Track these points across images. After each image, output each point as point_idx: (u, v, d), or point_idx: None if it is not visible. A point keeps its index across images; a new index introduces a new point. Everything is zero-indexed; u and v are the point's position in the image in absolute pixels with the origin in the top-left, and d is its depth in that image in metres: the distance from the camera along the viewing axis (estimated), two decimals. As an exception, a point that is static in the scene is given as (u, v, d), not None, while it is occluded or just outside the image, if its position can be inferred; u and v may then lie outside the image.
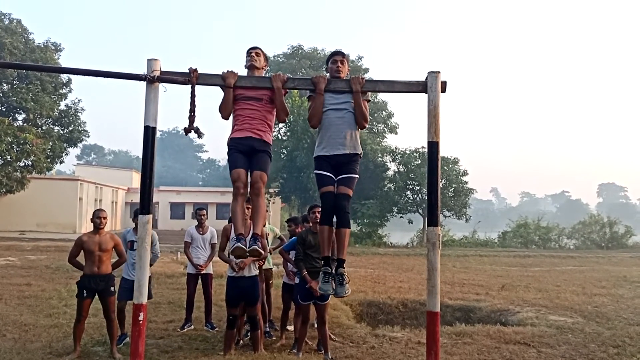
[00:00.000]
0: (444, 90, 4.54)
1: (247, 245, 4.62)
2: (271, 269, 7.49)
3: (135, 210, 5.34)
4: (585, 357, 6.31)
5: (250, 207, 4.99)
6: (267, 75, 4.91)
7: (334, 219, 4.69)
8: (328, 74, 4.87)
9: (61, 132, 30.31)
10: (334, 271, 4.63)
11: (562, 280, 14.34)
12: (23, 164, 27.89)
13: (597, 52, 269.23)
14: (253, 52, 4.87)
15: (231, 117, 4.80)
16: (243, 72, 4.75)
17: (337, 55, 4.84)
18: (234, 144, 4.71)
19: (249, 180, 4.73)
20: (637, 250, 30.99)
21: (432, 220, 4.47)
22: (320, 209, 5.69)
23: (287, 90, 4.85)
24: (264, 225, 5.17)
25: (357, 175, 4.75)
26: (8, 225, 30.84)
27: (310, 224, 6.39)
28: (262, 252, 4.72)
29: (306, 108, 33.57)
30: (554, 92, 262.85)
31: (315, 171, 4.77)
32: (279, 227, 30.88)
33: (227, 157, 4.81)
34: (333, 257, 4.74)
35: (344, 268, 4.62)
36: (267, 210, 4.98)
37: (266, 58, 4.99)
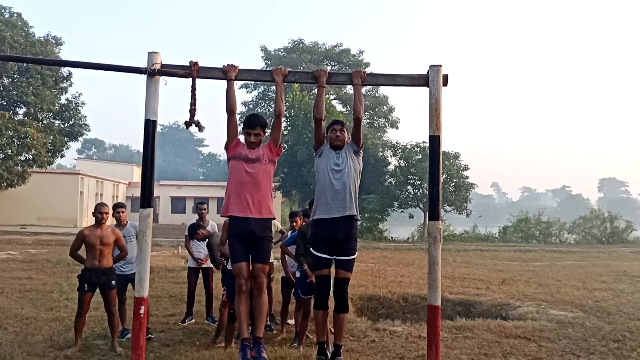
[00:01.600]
0: (445, 83, 4.53)
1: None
2: (272, 263, 7.49)
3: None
4: (586, 352, 6.31)
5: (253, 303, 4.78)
6: (268, 69, 4.91)
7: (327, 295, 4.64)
8: (328, 142, 4.86)
9: (62, 126, 30.27)
10: (331, 357, 4.55)
11: (563, 275, 14.34)
12: (24, 158, 27.88)
13: (599, 47, 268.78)
14: (252, 134, 4.73)
15: (228, 169, 4.71)
16: (242, 66, 4.69)
17: (336, 125, 4.88)
18: (235, 228, 4.63)
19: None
20: (638, 245, 30.99)
21: (433, 214, 4.47)
22: None
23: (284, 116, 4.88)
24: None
25: (355, 256, 4.69)
26: (9, 219, 30.87)
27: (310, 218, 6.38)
28: None
29: (307, 102, 33.64)
30: (555, 86, 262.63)
31: (312, 251, 4.73)
32: (280, 221, 30.91)
33: (228, 241, 4.77)
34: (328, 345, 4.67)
35: (341, 355, 4.55)
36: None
37: (264, 131, 4.84)
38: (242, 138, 4.85)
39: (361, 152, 4.85)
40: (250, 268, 4.69)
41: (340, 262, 4.61)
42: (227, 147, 4.74)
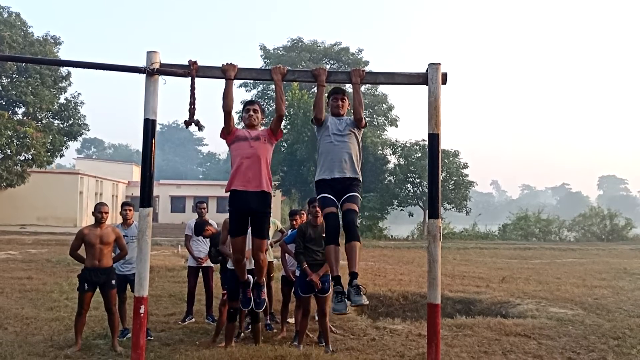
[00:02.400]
0: (444, 82, 4.53)
1: (253, 300, 5.20)
2: (272, 262, 7.49)
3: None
4: (586, 349, 6.32)
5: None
6: (267, 67, 4.92)
7: (338, 236, 4.67)
8: (329, 110, 4.96)
9: (61, 125, 30.24)
10: (348, 284, 4.56)
11: (563, 273, 14.36)
12: (23, 158, 27.86)
13: (598, 44, 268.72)
14: (251, 109, 4.97)
15: (230, 151, 4.90)
16: (242, 65, 4.69)
17: (338, 94, 4.96)
18: (234, 201, 4.80)
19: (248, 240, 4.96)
20: (638, 242, 31.03)
21: (433, 212, 4.47)
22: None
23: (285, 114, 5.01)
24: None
25: (360, 196, 4.76)
26: (9, 219, 30.86)
27: (310, 217, 6.39)
28: (262, 307, 5.39)
29: (306, 101, 33.51)
30: (554, 84, 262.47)
31: (318, 196, 4.80)
32: (280, 219, 30.90)
33: (228, 202, 4.90)
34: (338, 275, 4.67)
35: (357, 279, 4.54)
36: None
37: (263, 111, 5.11)
38: (241, 125, 4.95)
39: (362, 129, 4.91)
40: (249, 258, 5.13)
41: (345, 199, 4.67)
42: (224, 134, 4.83)
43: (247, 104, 5.05)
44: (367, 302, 4.55)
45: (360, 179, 4.79)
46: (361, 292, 4.44)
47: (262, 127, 5.06)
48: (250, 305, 5.21)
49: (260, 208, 4.79)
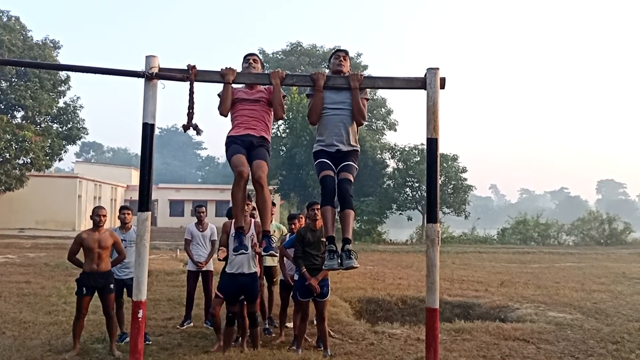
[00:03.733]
0: (443, 86, 4.54)
1: (260, 246, 4.82)
2: (275, 266, 7.48)
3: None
4: (584, 353, 6.32)
5: (255, 201, 5.02)
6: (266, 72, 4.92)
7: (336, 201, 4.74)
8: (329, 70, 4.94)
9: (60, 129, 30.21)
10: (340, 249, 4.62)
11: (561, 277, 14.35)
12: (22, 162, 27.82)
13: (596, 48, 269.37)
14: (251, 59, 4.95)
15: (230, 119, 4.87)
16: (240, 70, 4.74)
17: (340, 52, 4.93)
18: (232, 140, 4.78)
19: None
20: (636, 246, 31.02)
21: (431, 217, 4.47)
22: (318, 206, 5.74)
23: (285, 95, 4.93)
24: (271, 222, 5.22)
25: (356, 166, 4.82)
26: (7, 222, 30.80)
27: (309, 221, 6.39)
28: (276, 253, 4.95)
29: (305, 105, 33.49)
30: (553, 88, 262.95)
31: (315, 162, 4.83)
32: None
33: (225, 151, 4.85)
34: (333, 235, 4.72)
35: (350, 244, 4.58)
36: (272, 204, 5.05)
37: (263, 65, 5.10)
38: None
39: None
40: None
41: (341, 167, 4.72)
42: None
43: (247, 55, 4.99)
44: (358, 266, 4.59)
45: (358, 149, 4.84)
46: (352, 256, 4.52)
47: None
48: (246, 250, 4.96)
49: (260, 142, 4.77)
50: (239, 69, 4.71)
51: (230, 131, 4.84)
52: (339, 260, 4.53)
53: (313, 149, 4.92)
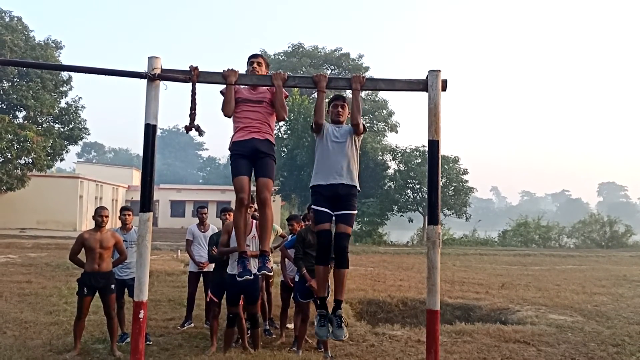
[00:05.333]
0: (444, 88, 4.54)
1: (256, 267, 4.81)
2: (272, 267, 7.47)
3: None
4: (585, 356, 6.31)
5: (257, 217, 4.96)
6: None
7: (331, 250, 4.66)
8: (329, 117, 4.94)
9: (62, 129, 30.21)
10: (332, 312, 4.58)
11: (562, 279, 14.34)
12: (23, 162, 27.82)
13: (597, 50, 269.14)
14: (255, 62, 4.84)
15: (232, 120, 4.79)
16: (242, 71, 4.73)
17: (338, 100, 4.94)
18: (237, 148, 4.68)
19: (252, 187, 4.72)
20: (637, 249, 30.99)
21: (433, 218, 4.47)
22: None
23: (287, 94, 4.90)
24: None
25: (355, 211, 4.72)
26: (8, 222, 30.82)
27: (310, 222, 6.39)
28: (271, 274, 4.90)
29: (307, 107, 33.55)
30: (555, 90, 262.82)
31: (313, 206, 4.76)
32: (279, 225, 30.85)
33: (230, 161, 4.79)
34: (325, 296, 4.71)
35: (341, 309, 4.59)
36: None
37: (267, 65, 4.97)
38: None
39: (361, 136, 4.88)
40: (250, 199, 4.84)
41: (340, 217, 4.62)
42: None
43: (251, 57, 4.87)
44: (347, 336, 4.58)
45: (358, 186, 4.74)
46: (343, 325, 4.50)
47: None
48: (248, 275, 4.82)
49: (266, 150, 4.66)
50: (242, 71, 4.70)
51: (234, 135, 4.74)
52: (329, 329, 4.52)
53: (311, 181, 4.82)
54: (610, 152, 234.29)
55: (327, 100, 4.95)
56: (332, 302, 4.76)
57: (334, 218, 4.66)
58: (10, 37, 26.56)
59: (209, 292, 6.47)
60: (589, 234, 35.77)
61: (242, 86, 4.82)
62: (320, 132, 4.82)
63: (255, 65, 4.82)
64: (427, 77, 4.54)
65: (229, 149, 4.78)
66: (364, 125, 4.86)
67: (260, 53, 5.00)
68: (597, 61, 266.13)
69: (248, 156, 4.65)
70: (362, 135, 4.93)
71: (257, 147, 4.63)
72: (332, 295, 5.00)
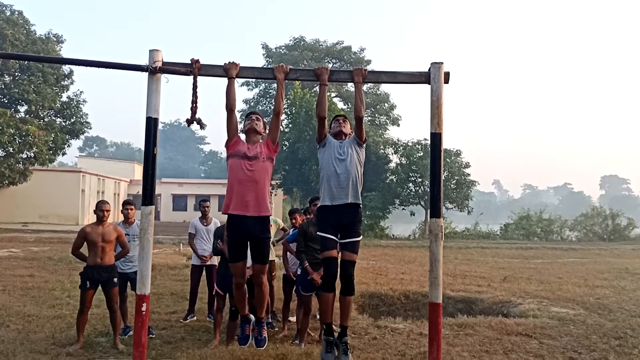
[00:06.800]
0: (447, 81, 4.52)
1: (254, 338, 4.92)
2: (273, 260, 7.50)
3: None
4: (587, 349, 6.32)
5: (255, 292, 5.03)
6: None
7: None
8: (331, 132, 4.97)
9: (63, 123, 30.24)
10: (338, 338, 4.61)
11: (564, 272, 14.34)
12: (25, 156, 27.86)
13: (600, 44, 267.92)
14: (253, 117, 4.91)
15: (228, 171, 4.75)
16: (244, 64, 4.68)
17: (339, 117, 5.05)
18: (232, 228, 4.68)
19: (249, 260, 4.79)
20: (639, 242, 30.96)
21: (435, 212, 4.47)
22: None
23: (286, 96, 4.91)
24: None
25: (360, 237, 4.75)
26: (11, 217, 30.89)
27: (312, 216, 6.39)
28: (265, 343, 5.01)
29: (308, 100, 33.45)
30: (557, 84, 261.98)
31: (319, 233, 4.77)
32: (281, 219, 30.86)
33: (226, 231, 4.88)
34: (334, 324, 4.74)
35: (347, 336, 4.63)
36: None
37: (265, 124, 5.00)
38: (242, 137, 4.87)
39: (364, 145, 4.87)
40: (250, 269, 4.86)
41: (345, 245, 4.65)
42: (227, 144, 4.77)
43: (250, 113, 4.94)
44: None
45: (361, 204, 4.77)
46: (348, 352, 4.57)
47: (261, 141, 4.86)
48: (249, 343, 4.94)
49: (260, 234, 4.66)
50: (242, 64, 4.67)
51: (228, 204, 4.64)
52: (335, 354, 4.56)
53: (320, 199, 4.82)
54: (613, 145, 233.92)
55: (329, 121, 4.99)
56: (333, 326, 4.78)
57: (339, 245, 4.69)
58: (11, 31, 26.54)
59: (215, 285, 6.47)
60: (591, 227, 35.72)
61: (242, 137, 4.83)
62: (323, 143, 4.82)
63: (253, 118, 4.88)
64: (429, 69, 4.52)
65: (225, 214, 4.72)
66: (365, 134, 4.84)
67: (256, 112, 5.07)
68: (600, 54, 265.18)
69: (243, 237, 4.68)
70: (365, 144, 4.91)
71: (251, 231, 4.63)
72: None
